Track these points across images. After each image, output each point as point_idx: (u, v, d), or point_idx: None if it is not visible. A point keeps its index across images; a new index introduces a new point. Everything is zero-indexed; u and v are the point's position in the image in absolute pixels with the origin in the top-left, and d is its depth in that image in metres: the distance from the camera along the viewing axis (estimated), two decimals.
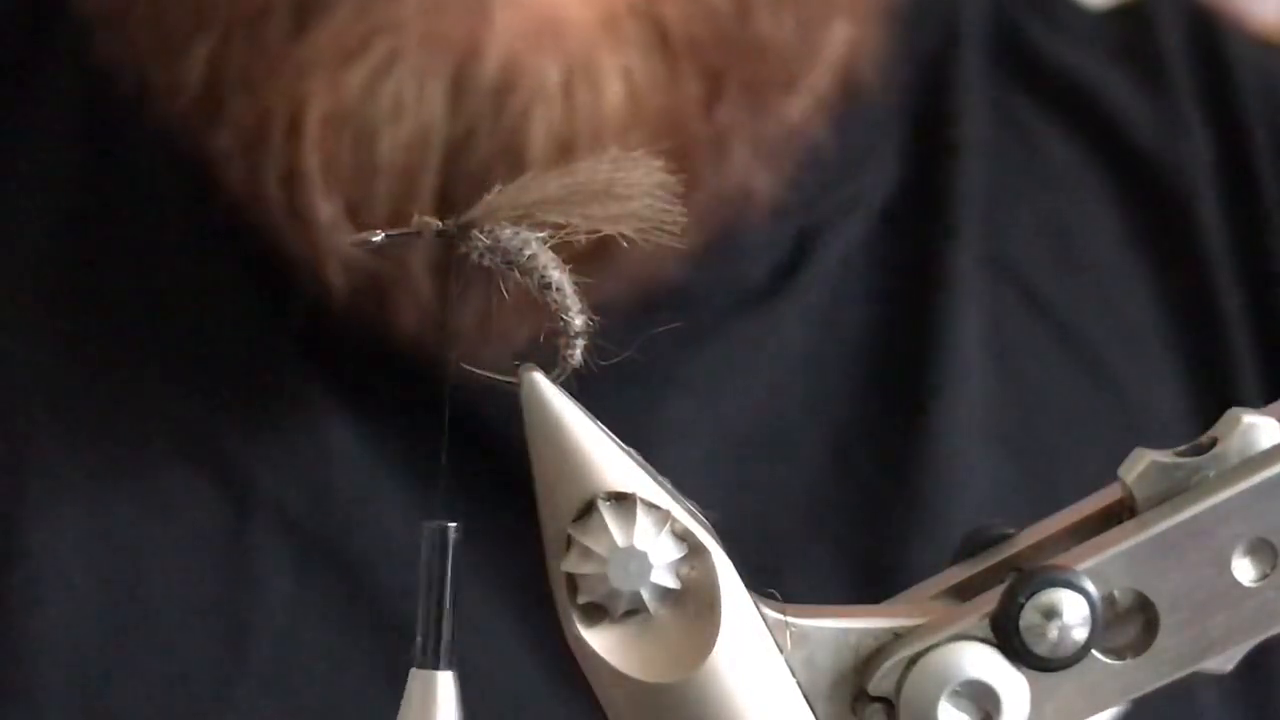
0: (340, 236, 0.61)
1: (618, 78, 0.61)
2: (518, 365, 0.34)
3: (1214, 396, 0.70)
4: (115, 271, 0.68)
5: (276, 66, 0.61)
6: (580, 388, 0.35)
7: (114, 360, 0.67)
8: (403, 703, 0.34)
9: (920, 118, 0.73)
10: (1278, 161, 0.73)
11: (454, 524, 0.35)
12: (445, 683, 0.34)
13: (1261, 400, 0.70)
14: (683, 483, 0.35)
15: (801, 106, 0.66)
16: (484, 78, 0.60)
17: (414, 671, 0.34)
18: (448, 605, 0.34)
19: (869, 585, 0.65)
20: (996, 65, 0.75)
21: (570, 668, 0.35)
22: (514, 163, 0.59)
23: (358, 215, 0.61)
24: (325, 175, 0.61)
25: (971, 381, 0.69)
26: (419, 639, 0.34)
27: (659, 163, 0.35)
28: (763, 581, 0.35)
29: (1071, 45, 0.76)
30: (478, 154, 0.60)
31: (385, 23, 0.60)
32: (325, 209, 0.61)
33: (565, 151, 0.60)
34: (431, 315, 0.61)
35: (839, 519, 0.66)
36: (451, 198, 0.60)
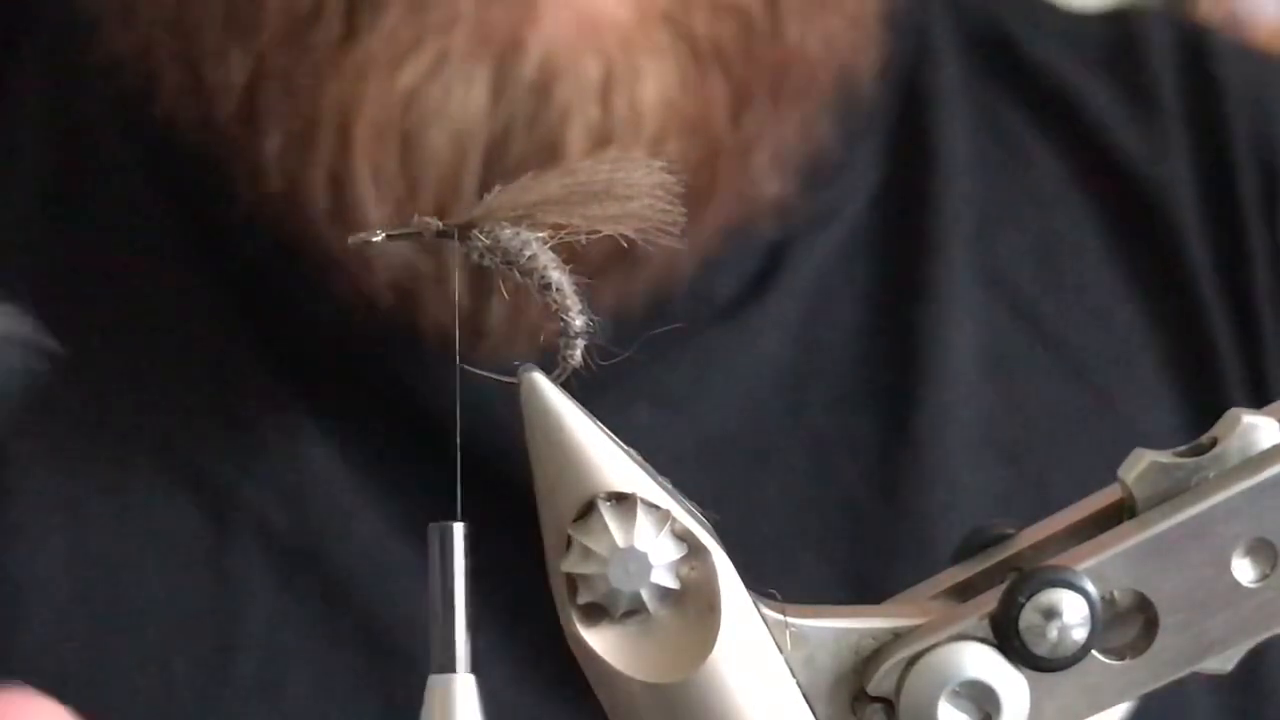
0: (419, 221, 0.61)
1: (653, 81, 0.61)
2: (518, 365, 0.34)
3: (1203, 408, 0.70)
4: (93, 288, 0.68)
5: (325, 70, 0.61)
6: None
7: (93, 378, 0.66)
8: (423, 711, 0.34)
9: (899, 126, 0.73)
10: (1259, 167, 0.73)
11: (460, 523, 0.34)
12: (465, 686, 0.34)
13: (1252, 402, 0.71)
14: None
15: (812, 112, 0.66)
16: (525, 74, 0.60)
17: (431, 678, 0.34)
18: (459, 607, 0.34)
19: (852, 595, 0.65)
20: (979, 72, 0.75)
21: (571, 669, 0.35)
22: (550, 162, 0.59)
23: (403, 214, 0.61)
24: (374, 177, 0.61)
25: (961, 393, 0.68)
26: (433, 643, 0.34)
27: (659, 163, 0.35)
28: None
29: (1056, 51, 0.76)
30: (516, 152, 0.60)
31: (436, 24, 0.60)
32: (373, 212, 0.61)
33: (600, 153, 0.60)
34: (466, 317, 0.61)
35: (821, 529, 0.66)
36: None
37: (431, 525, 0.34)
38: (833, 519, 0.66)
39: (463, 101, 0.60)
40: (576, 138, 0.60)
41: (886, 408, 0.68)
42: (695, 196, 0.64)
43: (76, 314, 0.68)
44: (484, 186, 0.61)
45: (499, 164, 0.60)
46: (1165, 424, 0.70)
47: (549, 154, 0.60)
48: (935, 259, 0.70)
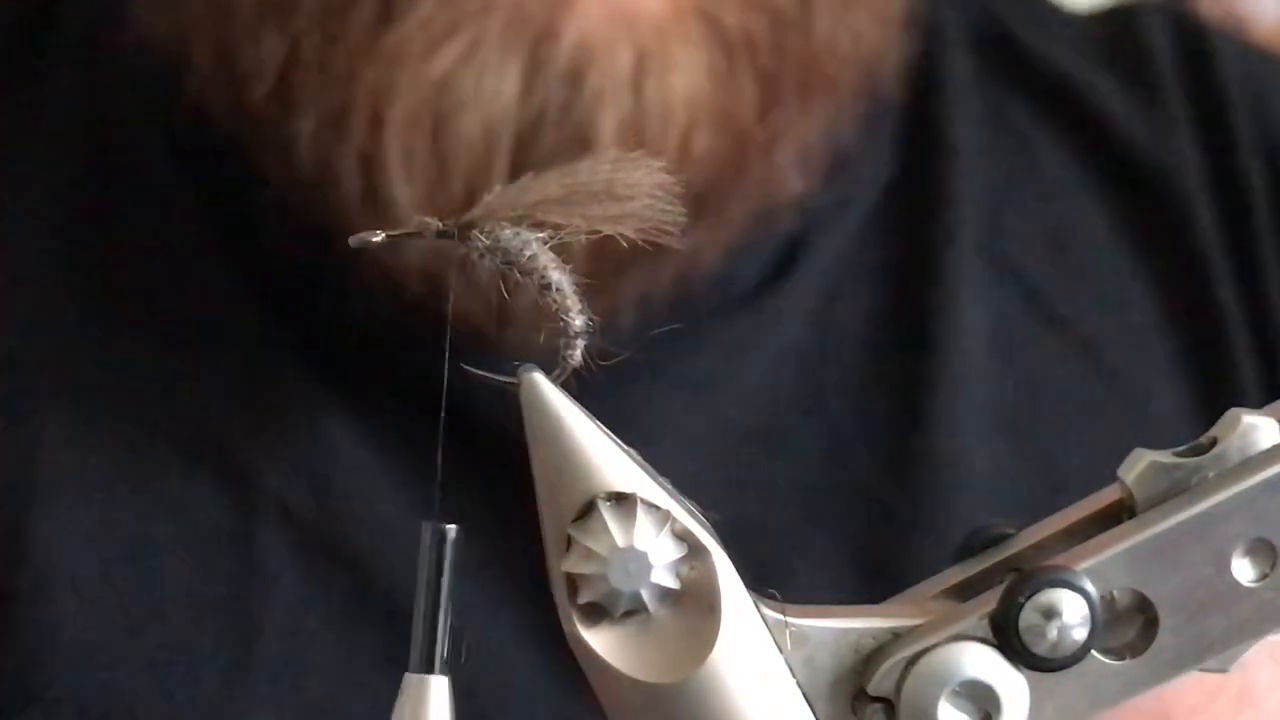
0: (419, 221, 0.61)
1: (684, 72, 0.61)
2: (517, 365, 0.34)
3: (1212, 388, 0.71)
4: (119, 271, 0.68)
5: (360, 55, 0.61)
6: (574, 386, 0.35)
7: (119, 360, 0.67)
8: (395, 708, 0.34)
9: (910, 117, 0.73)
10: (1264, 156, 0.73)
11: (452, 526, 0.34)
12: (438, 688, 0.34)
13: (1258, 389, 0.71)
14: (676, 481, 0.35)
15: (837, 109, 0.67)
16: (558, 63, 0.60)
17: (407, 676, 0.34)
18: (443, 609, 0.34)
19: (869, 579, 0.65)
20: (986, 66, 0.76)
21: (570, 667, 0.36)
22: (581, 150, 0.60)
23: (433, 199, 0.61)
24: (405, 162, 0.61)
25: (972, 377, 0.69)
26: (413, 642, 0.34)
27: (659, 163, 0.35)
28: (761, 577, 0.35)
29: (1059, 46, 0.77)
30: (547, 140, 0.60)
31: (471, 11, 0.61)
32: (404, 194, 0.61)
33: (631, 143, 0.60)
34: (488, 301, 0.61)
35: (837, 514, 0.67)
36: None
37: (424, 526, 0.34)
38: (848, 502, 0.67)
39: (495, 89, 0.61)
40: (608, 127, 0.60)
41: (899, 392, 0.68)
42: (721, 188, 0.64)
43: (106, 298, 0.68)
44: (514, 173, 0.61)
45: (530, 151, 0.61)
46: (1175, 402, 0.71)
47: (580, 142, 0.60)
48: (946, 246, 0.71)
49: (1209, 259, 0.72)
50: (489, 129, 0.61)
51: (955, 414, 0.68)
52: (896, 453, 0.67)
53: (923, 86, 0.74)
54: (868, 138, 0.72)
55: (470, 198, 0.61)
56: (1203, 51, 0.76)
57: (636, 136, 0.61)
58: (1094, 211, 0.74)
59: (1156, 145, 0.74)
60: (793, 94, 0.65)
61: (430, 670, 0.34)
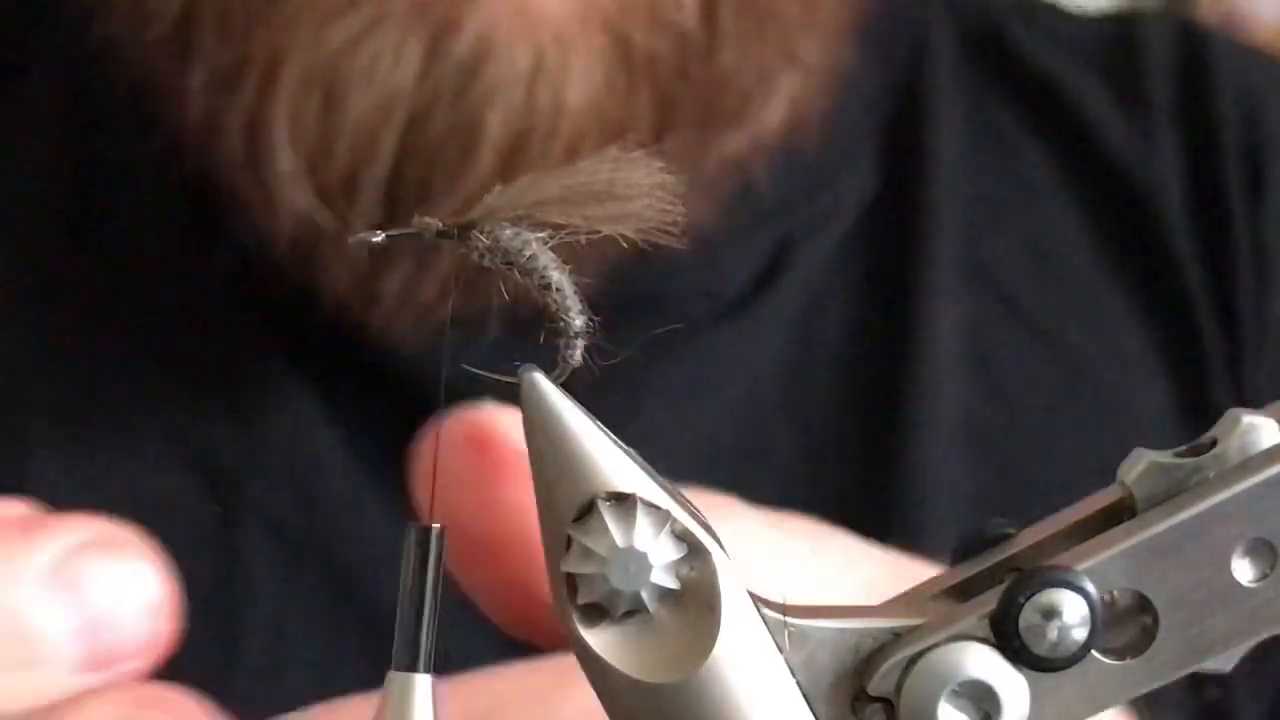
0: (294, 188, 0.61)
1: (580, 81, 0.61)
2: (517, 365, 0.34)
3: (1190, 394, 0.71)
4: (103, 277, 0.68)
5: (259, 14, 0.61)
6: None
7: (103, 364, 0.67)
8: (378, 706, 0.34)
9: (895, 126, 0.73)
10: (1246, 175, 0.74)
11: (438, 525, 0.34)
12: (422, 686, 0.34)
13: (1233, 397, 0.71)
14: None
15: (741, 145, 0.67)
16: (457, 52, 0.60)
17: (391, 674, 0.34)
18: (428, 607, 0.34)
19: None
20: (974, 70, 0.76)
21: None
22: (467, 142, 0.60)
23: (315, 170, 0.61)
24: (291, 128, 0.61)
25: (947, 386, 0.69)
26: (397, 640, 0.34)
27: (659, 163, 0.35)
28: None
29: (1052, 52, 0.77)
30: (437, 126, 0.60)
31: None
32: (285, 160, 0.61)
33: (517, 142, 0.60)
34: (362, 278, 0.61)
35: None
36: (404, 166, 0.61)
37: (410, 525, 0.34)
38: (824, 512, 0.67)
39: (391, 69, 0.61)
40: (496, 122, 0.61)
41: (876, 404, 0.69)
42: None
43: (92, 300, 0.68)
44: (400, 153, 0.61)
45: (418, 135, 0.61)
46: (1152, 409, 0.71)
47: (468, 133, 0.60)
48: (925, 257, 0.71)
49: (1185, 268, 0.72)
50: (380, 106, 0.61)
51: (929, 425, 0.68)
52: (872, 465, 0.68)
53: (910, 96, 0.74)
54: (850, 152, 0.72)
55: (353, 171, 0.61)
56: (1200, 61, 0.76)
57: (522, 136, 0.61)
58: (1074, 220, 0.74)
59: (1139, 155, 0.74)
60: (690, 121, 0.65)
61: (415, 668, 0.34)
